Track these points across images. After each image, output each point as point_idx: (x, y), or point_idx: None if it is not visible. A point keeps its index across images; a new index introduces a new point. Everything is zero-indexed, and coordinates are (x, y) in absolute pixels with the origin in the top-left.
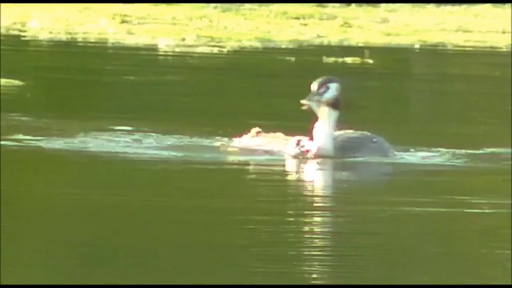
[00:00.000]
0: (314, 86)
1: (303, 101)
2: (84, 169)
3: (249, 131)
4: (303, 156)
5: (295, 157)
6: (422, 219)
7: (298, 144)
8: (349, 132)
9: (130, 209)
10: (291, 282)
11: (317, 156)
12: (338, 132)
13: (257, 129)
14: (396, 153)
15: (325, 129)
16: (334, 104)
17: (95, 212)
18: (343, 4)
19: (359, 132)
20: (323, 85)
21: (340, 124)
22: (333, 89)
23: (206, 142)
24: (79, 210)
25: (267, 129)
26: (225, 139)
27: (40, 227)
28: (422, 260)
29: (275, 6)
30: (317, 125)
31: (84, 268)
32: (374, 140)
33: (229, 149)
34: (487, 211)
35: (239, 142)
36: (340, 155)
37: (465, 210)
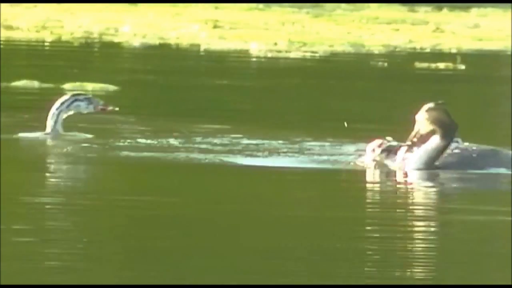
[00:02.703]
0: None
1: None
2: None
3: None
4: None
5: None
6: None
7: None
8: (471, 146)
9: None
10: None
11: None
12: (459, 148)
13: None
14: None
15: (424, 152)
16: (443, 133)
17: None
18: (435, 9)
19: (482, 146)
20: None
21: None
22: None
23: (302, 145)
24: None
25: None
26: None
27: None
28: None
29: (367, 11)
30: (427, 143)
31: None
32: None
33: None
34: None
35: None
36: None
37: None
